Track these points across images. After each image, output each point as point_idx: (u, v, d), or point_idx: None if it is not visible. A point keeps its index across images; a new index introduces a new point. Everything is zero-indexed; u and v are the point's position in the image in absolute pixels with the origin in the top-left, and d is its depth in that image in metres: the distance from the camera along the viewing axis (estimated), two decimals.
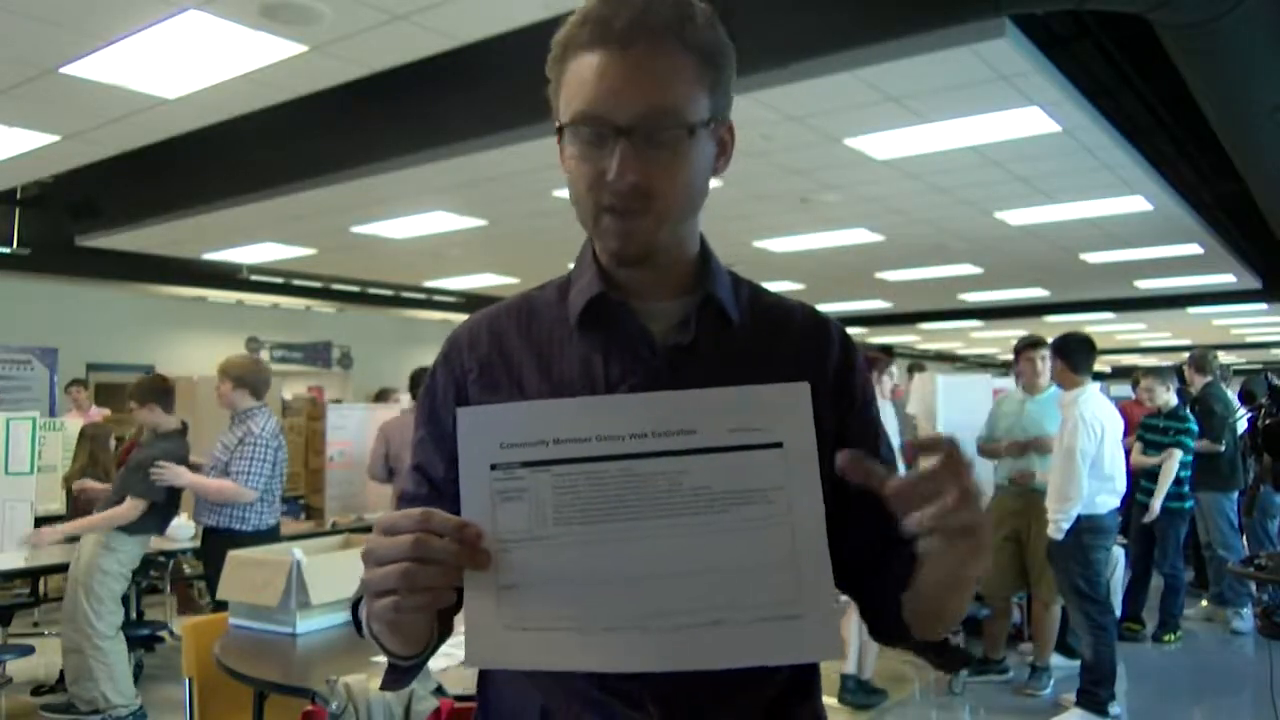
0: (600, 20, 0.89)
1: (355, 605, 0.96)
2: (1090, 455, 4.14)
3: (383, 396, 7.90)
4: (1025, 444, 4.71)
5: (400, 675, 0.94)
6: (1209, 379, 6.09)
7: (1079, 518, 4.15)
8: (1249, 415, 4.33)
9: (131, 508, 4.15)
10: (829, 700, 3.18)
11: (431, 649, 0.92)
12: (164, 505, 4.27)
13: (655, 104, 0.88)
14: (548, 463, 0.76)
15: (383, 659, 0.90)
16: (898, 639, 0.97)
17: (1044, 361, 4.72)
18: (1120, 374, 15.10)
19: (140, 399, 4.34)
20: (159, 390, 4.40)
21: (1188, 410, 5.66)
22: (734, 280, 1.03)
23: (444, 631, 0.92)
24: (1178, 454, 5.44)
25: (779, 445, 0.76)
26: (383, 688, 0.98)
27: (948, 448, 0.74)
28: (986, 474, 5.05)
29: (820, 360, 1.00)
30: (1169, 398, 5.63)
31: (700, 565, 0.75)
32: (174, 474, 4.10)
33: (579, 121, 0.90)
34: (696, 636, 0.73)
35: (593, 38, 0.89)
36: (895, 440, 4.95)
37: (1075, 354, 4.30)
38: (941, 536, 0.74)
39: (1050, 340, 4.58)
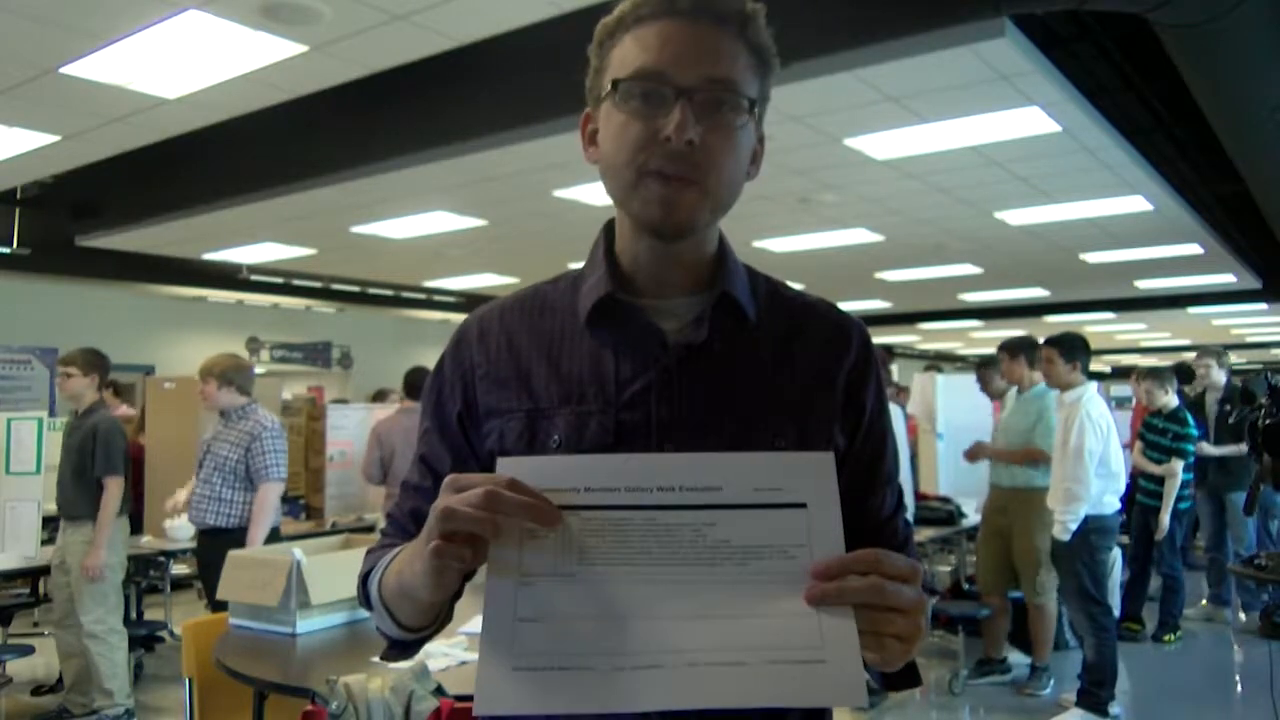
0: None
1: (365, 578, 0.98)
2: (1098, 454, 4.12)
3: (381, 396, 7.90)
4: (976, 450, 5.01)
5: (404, 649, 0.97)
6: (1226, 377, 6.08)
7: (1086, 518, 4.13)
8: (1245, 415, 4.32)
9: (117, 485, 4.18)
10: None
11: (437, 625, 0.94)
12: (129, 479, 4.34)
13: (718, 74, 0.89)
14: (576, 507, 0.78)
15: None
16: None
17: (1011, 363, 4.89)
18: (1120, 374, 15.10)
19: (85, 370, 4.29)
20: (103, 364, 4.41)
21: (1187, 413, 5.65)
22: (751, 276, 1.01)
23: (451, 606, 0.94)
24: (1180, 465, 5.43)
25: (803, 506, 0.77)
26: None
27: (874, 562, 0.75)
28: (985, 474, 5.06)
29: (836, 363, 0.98)
30: (1168, 399, 5.62)
31: (720, 611, 0.75)
32: (254, 536, 4.04)
33: (639, 78, 0.89)
34: (715, 675, 0.72)
35: (655, 12, 0.90)
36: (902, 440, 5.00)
37: (1073, 351, 4.31)
38: (872, 636, 0.74)
39: (1044, 340, 4.59)
